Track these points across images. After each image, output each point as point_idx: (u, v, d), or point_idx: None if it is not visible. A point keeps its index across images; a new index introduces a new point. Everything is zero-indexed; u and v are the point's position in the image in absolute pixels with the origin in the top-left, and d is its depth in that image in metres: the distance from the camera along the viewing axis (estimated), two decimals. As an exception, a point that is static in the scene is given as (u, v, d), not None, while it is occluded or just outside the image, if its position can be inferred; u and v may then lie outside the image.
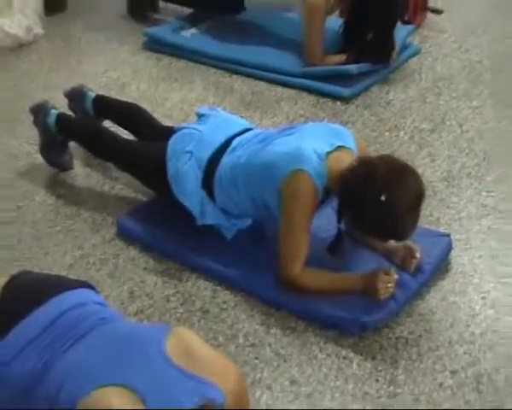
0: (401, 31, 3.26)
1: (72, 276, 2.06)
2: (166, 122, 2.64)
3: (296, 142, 2.02)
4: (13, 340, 1.48)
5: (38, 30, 3.58)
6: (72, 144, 2.59)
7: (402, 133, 2.76)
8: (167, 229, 2.26)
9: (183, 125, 2.39)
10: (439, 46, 3.39)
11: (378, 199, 1.86)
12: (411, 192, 1.90)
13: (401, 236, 1.97)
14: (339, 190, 1.95)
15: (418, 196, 1.92)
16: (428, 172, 2.53)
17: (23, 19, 3.51)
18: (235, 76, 3.20)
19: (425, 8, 3.55)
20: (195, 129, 2.28)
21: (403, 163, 1.95)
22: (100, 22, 3.79)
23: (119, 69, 3.32)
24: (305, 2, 3.03)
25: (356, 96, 2.99)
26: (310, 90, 3.03)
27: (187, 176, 2.18)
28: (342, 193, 1.95)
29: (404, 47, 3.24)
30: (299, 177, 1.96)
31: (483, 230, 2.30)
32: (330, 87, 3.00)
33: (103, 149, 2.47)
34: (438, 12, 3.57)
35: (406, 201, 1.88)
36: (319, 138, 2.03)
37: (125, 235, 2.31)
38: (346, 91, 2.97)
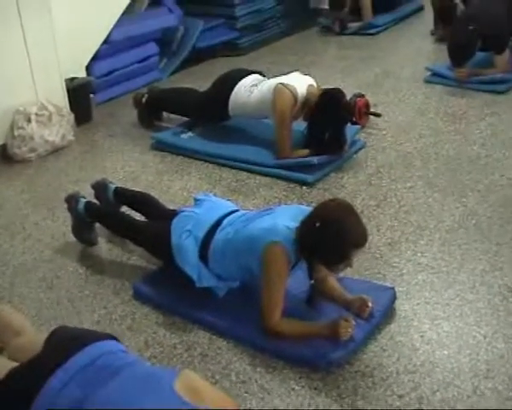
0: (350, 130, 3.36)
1: (99, 330, 2.06)
2: (170, 206, 2.70)
3: (272, 220, 2.08)
4: (61, 374, 1.49)
5: (71, 137, 3.66)
6: (97, 226, 2.62)
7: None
8: (173, 291, 2.28)
9: (184, 208, 2.44)
10: (379, 141, 3.47)
11: (316, 226, 1.92)
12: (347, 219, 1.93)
13: (346, 253, 1.93)
14: (299, 240, 1.99)
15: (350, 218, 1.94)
16: (375, 240, 2.57)
17: (60, 129, 3.59)
18: (223, 168, 3.27)
19: (368, 112, 3.64)
20: (193, 212, 2.33)
21: (348, 205, 2.00)
22: (117, 130, 3.88)
23: (133, 165, 3.39)
24: (275, 111, 3.13)
25: (317, 181, 3.05)
26: (282, 178, 3.10)
27: (187, 249, 2.21)
28: (302, 239, 1.98)
29: (353, 142, 3.32)
30: (274, 247, 2.00)
31: (419, 283, 2.33)
32: (298, 175, 3.06)
33: (122, 229, 2.51)
34: (377, 115, 3.65)
35: (340, 222, 1.92)
36: (290, 217, 2.08)
37: (139, 296, 2.32)
38: (309, 178, 3.03)
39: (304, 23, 5.97)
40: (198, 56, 5.13)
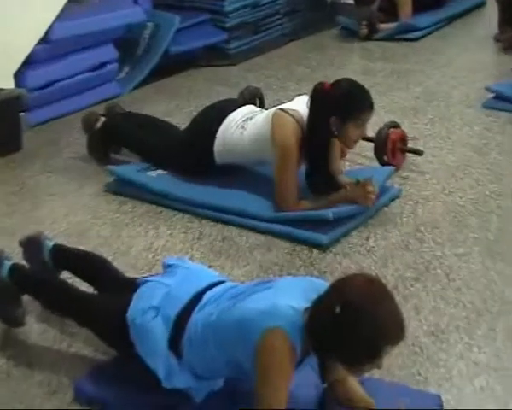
0: (380, 173, 3.43)
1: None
2: (130, 273, 2.70)
3: (272, 297, 2.08)
4: None
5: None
6: (25, 298, 2.60)
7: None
8: (130, 392, 2.26)
9: (149, 277, 2.44)
10: (420, 188, 3.52)
11: (335, 311, 1.94)
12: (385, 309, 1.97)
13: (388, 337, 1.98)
14: (310, 333, 2.01)
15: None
16: (414, 327, 2.57)
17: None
18: (204, 221, 3.30)
19: (404, 148, 3.71)
20: (162, 282, 2.32)
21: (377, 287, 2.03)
22: (59, 163, 3.92)
23: (80, 214, 3.41)
24: (275, 145, 3.18)
25: (334, 243, 3.08)
26: (284, 237, 3.13)
27: (152, 335, 2.20)
28: (313, 328, 2.00)
29: (384, 190, 3.37)
30: (274, 335, 2.00)
31: (476, 390, 2.31)
32: (306, 233, 3.09)
33: (60, 304, 2.50)
34: (418, 153, 3.70)
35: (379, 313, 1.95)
36: (297, 294, 2.09)
37: (83, 399, 2.30)
38: (323, 238, 3.06)
39: (317, 23, 6.13)
40: (172, 65, 5.23)
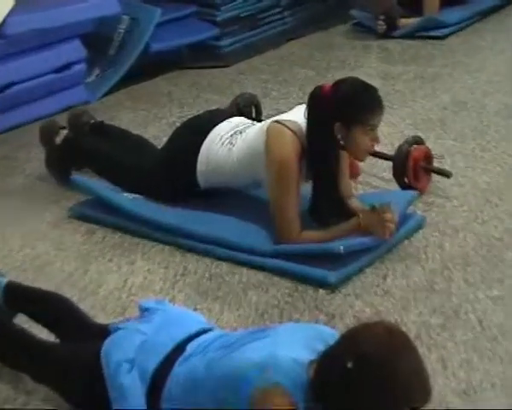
0: (400, 197, 3.44)
1: None
2: (99, 317, 2.71)
3: (269, 348, 2.08)
4: None
5: None
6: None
7: (404, 330, 2.82)
8: None
9: (122, 322, 2.44)
10: (448, 217, 3.53)
11: (347, 367, 1.94)
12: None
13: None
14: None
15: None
16: (440, 384, 2.56)
17: None
18: (188, 254, 3.31)
19: (429, 168, 3.72)
20: (138, 329, 2.33)
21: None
22: (14, 182, 3.94)
23: (39, 245, 3.41)
24: (273, 162, 3.16)
25: (344, 282, 3.09)
26: (284, 275, 3.13)
27: (128, 390, 2.21)
28: (320, 384, 2.01)
29: (405, 218, 3.37)
30: (272, 393, 2.01)
31: None
32: (311, 270, 3.09)
33: (14, 355, 2.49)
34: (446, 174, 3.71)
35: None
36: (299, 343, 2.09)
37: None
38: (331, 276, 3.06)
39: (325, 18, 6.19)
40: (152, 66, 5.27)
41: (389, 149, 3.84)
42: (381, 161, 3.82)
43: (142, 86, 5.15)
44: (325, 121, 3.12)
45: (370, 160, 3.81)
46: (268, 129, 3.23)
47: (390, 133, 4.21)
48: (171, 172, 3.48)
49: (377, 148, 3.68)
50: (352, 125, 3.11)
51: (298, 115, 3.24)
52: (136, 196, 3.58)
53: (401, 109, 4.48)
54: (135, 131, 4.04)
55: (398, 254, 3.28)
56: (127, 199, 3.56)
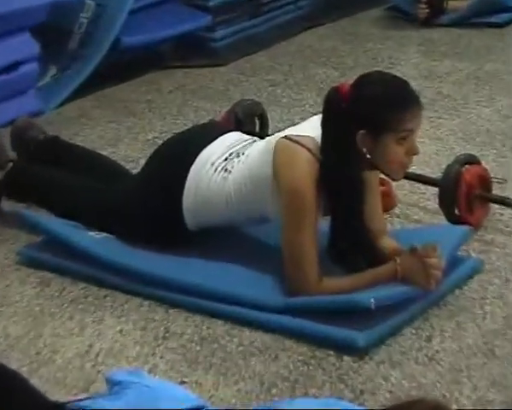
0: (449, 234, 3.47)
1: None
2: (56, 393, 2.74)
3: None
4: None
5: None
6: None
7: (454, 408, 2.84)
8: None
9: (84, 399, 2.45)
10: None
11: None
12: None
13: None
14: None
15: None
16: None
17: None
18: (172, 311, 3.32)
19: (487, 197, 3.74)
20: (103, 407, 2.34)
21: None
22: None
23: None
24: (283, 190, 3.18)
25: (376, 345, 3.09)
26: (299, 336, 3.14)
27: None
28: None
29: (455, 262, 3.40)
30: None
31: None
32: (333, 331, 3.10)
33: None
34: (508, 204, 3.70)
35: None
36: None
37: None
38: (358, 338, 3.06)
39: (351, 1, 6.21)
40: (125, 66, 5.31)
41: (434, 171, 3.86)
42: (423, 187, 3.84)
43: (112, 92, 5.18)
44: (345, 131, 3.15)
45: (410, 185, 3.83)
46: (276, 148, 3.24)
47: (436, 151, 4.24)
48: (148, 207, 3.51)
49: (419, 170, 3.70)
50: (381, 132, 3.12)
51: (314, 128, 3.26)
52: (106, 234, 3.61)
53: (450, 119, 4.50)
54: (102, 152, 4.07)
55: (447, 308, 3.28)
56: (93, 239, 3.58)
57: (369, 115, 3.12)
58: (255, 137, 3.56)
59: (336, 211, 3.26)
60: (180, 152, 3.52)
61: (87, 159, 3.89)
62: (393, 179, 3.38)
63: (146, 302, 3.37)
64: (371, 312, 3.09)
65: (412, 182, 3.82)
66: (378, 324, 3.12)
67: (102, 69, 5.15)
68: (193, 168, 3.43)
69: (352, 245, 3.27)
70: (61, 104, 5.01)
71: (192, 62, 5.50)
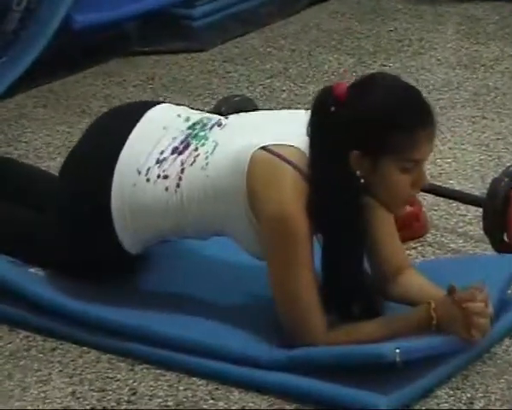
0: (497, 268, 3.50)
1: None
2: None
3: None
4: None
5: None
6: None
7: None
8: None
9: None
10: None
11: None
12: None
13: None
14: None
15: None
16: None
17: None
18: (139, 367, 3.35)
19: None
20: None
21: None
22: None
23: None
24: (268, 219, 3.20)
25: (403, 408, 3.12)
26: (303, 399, 3.16)
27: None
28: None
29: (505, 305, 3.43)
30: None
31: None
32: (347, 392, 3.11)
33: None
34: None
35: None
36: None
37: None
38: (380, 401, 3.09)
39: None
40: (79, 53, 5.36)
41: (477, 187, 3.88)
42: (463, 207, 3.87)
43: (63, 84, 5.21)
44: (336, 144, 3.16)
45: (447, 205, 3.86)
46: (252, 162, 3.25)
47: (479, 160, 4.29)
48: (75, 232, 3.57)
49: (458, 185, 3.73)
50: (380, 155, 3.14)
51: (297, 130, 3.29)
52: (49, 271, 3.66)
53: (498, 120, 4.53)
54: (50, 162, 4.10)
55: (494, 364, 3.31)
56: (34, 277, 3.63)
57: (367, 132, 3.13)
58: (205, 117, 3.53)
59: (327, 246, 3.30)
60: (100, 152, 3.56)
61: (26, 171, 3.93)
62: (393, 213, 3.37)
63: (105, 356, 3.40)
64: (397, 367, 3.10)
65: (449, 201, 3.84)
66: (405, 384, 3.14)
67: (49, 56, 5.17)
68: (116, 168, 3.46)
69: (347, 292, 3.31)
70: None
71: (164, 47, 5.53)
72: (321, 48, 5.53)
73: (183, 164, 3.36)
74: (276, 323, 3.30)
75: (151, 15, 5.53)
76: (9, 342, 3.49)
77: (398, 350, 3.08)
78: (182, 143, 3.41)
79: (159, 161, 3.40)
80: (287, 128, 3.34)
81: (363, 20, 5.86)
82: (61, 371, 3.36)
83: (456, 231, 3.90)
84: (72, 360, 3.40)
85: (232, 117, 3.50)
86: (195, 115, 3.53)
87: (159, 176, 3.39)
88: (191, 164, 3.35)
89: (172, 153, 3.39)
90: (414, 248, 3.65)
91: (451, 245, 3.86)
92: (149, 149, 3.43)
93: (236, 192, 3.27)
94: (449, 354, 3.24)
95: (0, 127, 4.68)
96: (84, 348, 3.44)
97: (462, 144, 4.04)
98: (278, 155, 3.23)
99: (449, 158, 4.16)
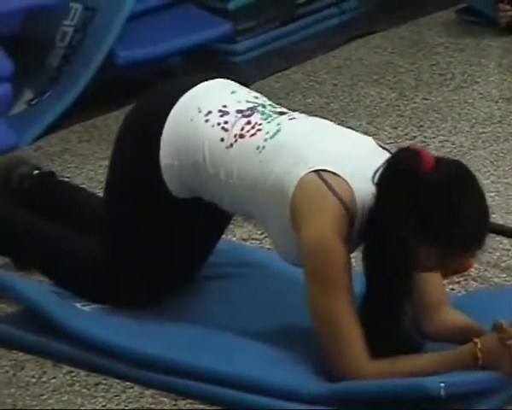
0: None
1: None
2: None
3: None
4: None
5: None
6: None
7: None
8: None
9: None
10: None
11: None
12: None
13: None
14: None
15: None
16: None
17: None
18: (182, 402, 3.34)
19: None
20: None
21: None
22: None
23: None
24: (306, 235, 3.22)
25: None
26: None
27: None
28: None
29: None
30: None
31: None
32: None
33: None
34: None
35: None
36: None
37: None
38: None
39: (412, 1, 6.25)
40: (123, 88, 5.38)
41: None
42: (507, 241, 3.86)
43: (106, 120, 5.22)
44: (404, 207, 3.16)
45: (490, 239, 3.83)
46: (301, 181, 3.28)
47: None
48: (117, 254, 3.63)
49: (501, 219, 3.72)
50: (434, 243, 3.16)
51: (350, 162, 3.31)
52: (95, 306, 3.67)
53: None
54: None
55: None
56: (78, 311, 3.64)
57: (426, 216, 3.15)
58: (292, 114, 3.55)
59: (371, 287, 3.28)
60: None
61: (77, 202, 3.95)
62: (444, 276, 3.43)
63: (148, 392, 3.40)
64: (440, 401, 3.08)
65: (492, 235, 3.82)
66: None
67: (92, 92, 5.19)
68: (171, 115, 3.50)
69: (385, 331, 3.28)
70: (40, 137, 5.05)
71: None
72: (362, 82, 5.54)
73: (243, 129, 3.39)
74: (319, 354, 3.30)
75: (194, 51, 5.54)
76: (53, 377, 3.50)
77: (442, 384, 3.07)
78: (248, 109, 3.45)
79: (221, 111, 3.43)
80: (341, 154, 3.34)
81: (405, 54, 5.85)
82: (104, 406, 3.37)
83: (500, 265, 3.89)
84: (116, 395, 3.41)
85: (301, 116, 3.53)
86: (266, 100, 3.59)
87: (219, 124, 3.42)
88: (251, 135, 3.37)
89: (237, 113, 3.42)
90: (457, 282, 3.63)
91: (495, 279, 3.85)
92: (214, 99, 3.49)
93: (283, 200, 3.29)
94: (493, 390, 3.22)
95: (43, 162, 4.68)
96: (128, 383, 3.44)
97: (506, 178, 4.02)
98: (326, 183, 3.23)
99: (492, 192, 4.14)
